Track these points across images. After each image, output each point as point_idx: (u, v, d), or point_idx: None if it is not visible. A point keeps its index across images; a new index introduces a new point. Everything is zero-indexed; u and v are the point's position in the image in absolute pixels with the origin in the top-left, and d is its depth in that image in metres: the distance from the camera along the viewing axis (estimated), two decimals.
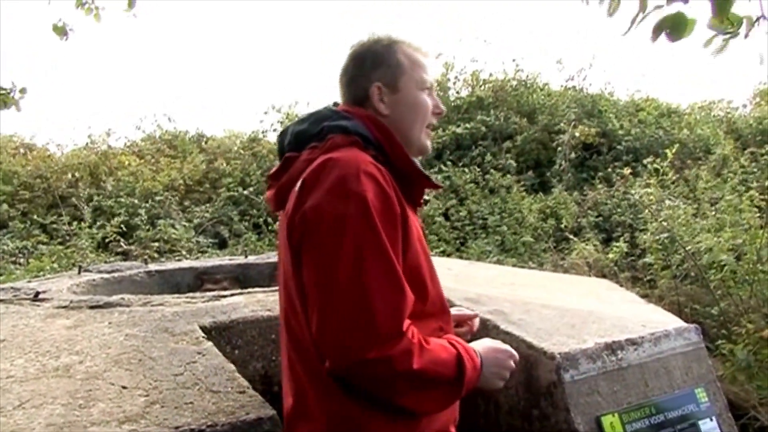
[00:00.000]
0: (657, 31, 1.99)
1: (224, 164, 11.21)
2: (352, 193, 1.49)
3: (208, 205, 10.12)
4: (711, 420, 2.51)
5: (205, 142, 12.92)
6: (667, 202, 6.32)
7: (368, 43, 1.83)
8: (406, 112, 1.78)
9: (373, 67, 1.78)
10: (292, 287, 1.59)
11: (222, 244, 8.94)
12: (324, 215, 1.49)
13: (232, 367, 2.15)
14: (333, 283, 1.46)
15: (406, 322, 1.48)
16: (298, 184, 1.58)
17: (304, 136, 1.71)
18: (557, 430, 2.25)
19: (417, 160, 1.77)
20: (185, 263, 4.77)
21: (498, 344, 1.81)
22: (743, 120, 11.63)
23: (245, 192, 10.06)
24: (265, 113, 12.12)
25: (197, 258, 7.55)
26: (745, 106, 14.41)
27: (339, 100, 1.87)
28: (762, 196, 6.33)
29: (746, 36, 2.01)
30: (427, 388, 1.53)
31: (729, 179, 7.37)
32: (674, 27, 1.98)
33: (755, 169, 8.07)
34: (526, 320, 2.63)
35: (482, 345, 1.77)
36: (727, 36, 2.03)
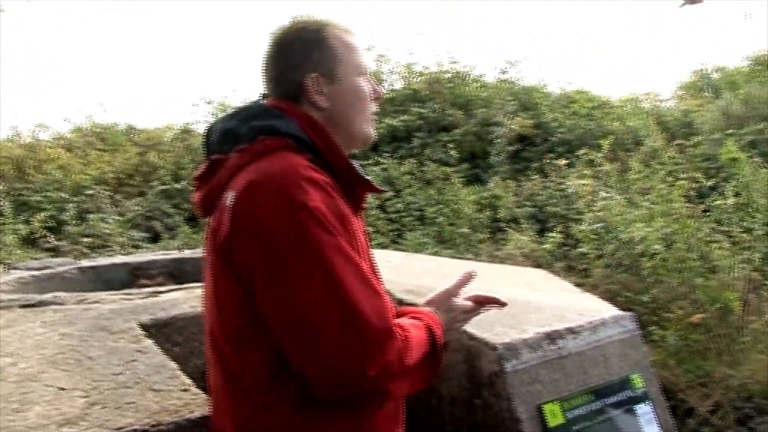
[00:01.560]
0: None
1: (156, 157, 11.00)
2: (299, 204, 1.37)
3: (140, 198, 9.91)
4: (646, 404, 2.60)
5: (137, 135, 12.65)
6: (602, 193, 6.46)
7: (294, 29, 1.66)
8: (348, 102, 1.65)
9: (305, 56, 1.61)
10: (234, 314, 1.47)
11: (155, 238, 8.77)
12: (275, 235, 1.37)
13: (174, 364, 2.12)
14: (309, 305, 1.35)
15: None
16: (230, 196, 1.46)
17: (233, 136, 1.58)
18: (500, 419, 2.27)
19: (357, 164, 1.63)
20: (118, 259, 4.68)
21: (451, 303, 1.76)
22: (670, 113, 11.97)
23: (178, 185, 9.88)
24: (196, 105, 11.97)
25: (130, 253, 7.38)
26: (671, 99, 14.85)
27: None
28: (690, 186, 6.52)
29: None
30: (416, 371, 1.49)
31: (658, 170, 7.56)
32: None
33: (682, 160, 8.30)
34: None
35: (445, 309, 1.74)
36: None
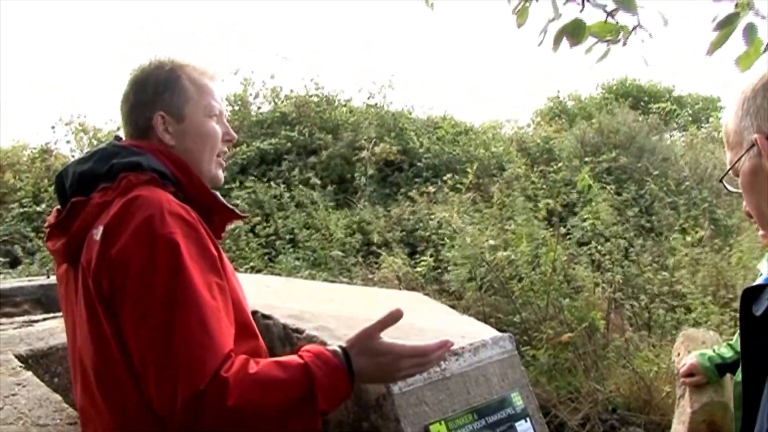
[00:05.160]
0: (558, 38, 2.15)
1: (14, 177, 10.39)
2: (159, 236, 1.43)
3: None
4: (526, 421, 2.67)
5: None
6: (468, 218, 6.64)
7: (150, 68, 1.73)
8: (194, 142, 1.70)
9: (156, 94, 1.68)
10: (110, 346, 1.47)
11: (14, 263, 8.26)
12: (131, 263, 1.42)
13: (58, 397, 2.01)
14: (146, 337, 1.39)
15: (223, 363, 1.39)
16: (99, 231, 1.48)
17: (91, 177, 1.59)
18: None
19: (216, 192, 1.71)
20: None
21: (372, 346, 1.58)
22: (531, 139, 12.50)
23: (39, 208, 9.37)
24: (53, 127, 11.42)
25: None
26: (529, 125, 15.53)
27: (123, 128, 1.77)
28: (551, 211, 6.84)
29: (624, 44, 2.21)
30: (266, 417, 1.42)
31: (518, 196, 7.85)
32: (574, 32, 2.15)
33: (544, 186, 8.69)
34: (352, 335, 2.64)
35: (363, 352, 1.58)
36: (607, 43, 2.23)
